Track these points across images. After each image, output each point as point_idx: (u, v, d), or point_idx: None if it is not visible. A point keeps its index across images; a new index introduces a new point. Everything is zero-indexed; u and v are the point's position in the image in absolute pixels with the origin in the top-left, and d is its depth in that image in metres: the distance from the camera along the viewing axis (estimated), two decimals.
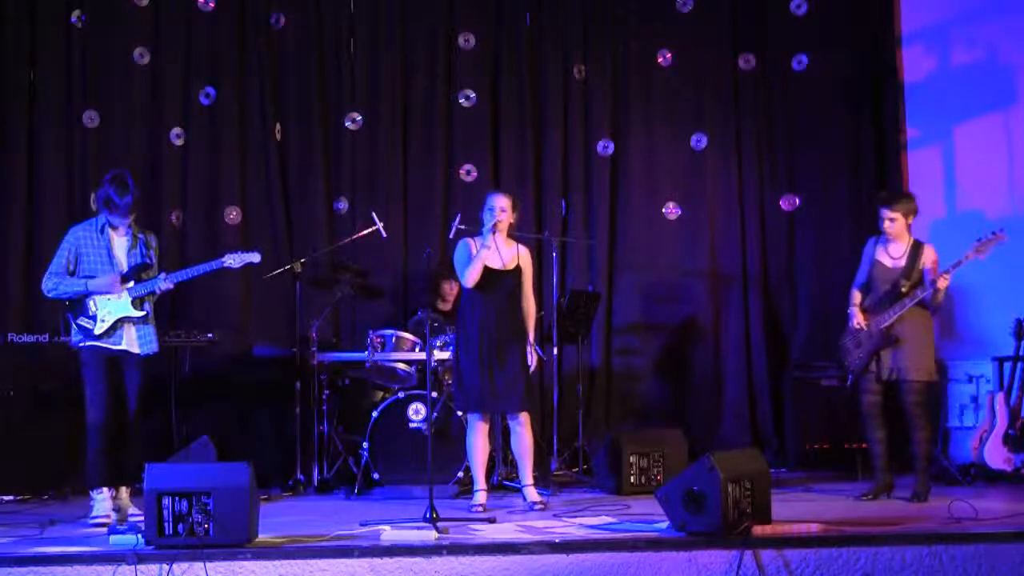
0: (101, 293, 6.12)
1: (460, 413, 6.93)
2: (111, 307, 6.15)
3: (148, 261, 6.27)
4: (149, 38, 8.36)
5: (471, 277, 6.47)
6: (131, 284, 6.16)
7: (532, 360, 6.56)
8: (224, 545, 4.91)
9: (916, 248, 6.56)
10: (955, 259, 6.35)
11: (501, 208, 6.52)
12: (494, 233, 6.48)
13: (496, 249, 6.55)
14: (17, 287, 8.01)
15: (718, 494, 5.05)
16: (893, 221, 6.57)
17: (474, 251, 6.51)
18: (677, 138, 8.89)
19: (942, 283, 6.36)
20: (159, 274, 6.23)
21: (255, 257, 6.47)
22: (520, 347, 6.51)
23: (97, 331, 6.10)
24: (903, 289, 6.50)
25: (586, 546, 5.06)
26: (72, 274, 6.16)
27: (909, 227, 6.62)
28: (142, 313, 6.18)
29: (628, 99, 8.88)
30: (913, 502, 6.40)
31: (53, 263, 6.20)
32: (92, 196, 7.88)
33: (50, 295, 6.23)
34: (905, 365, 6.49)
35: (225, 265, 6.36)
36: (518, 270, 6.59)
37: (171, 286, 6.23)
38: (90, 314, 6.12)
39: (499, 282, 6.51)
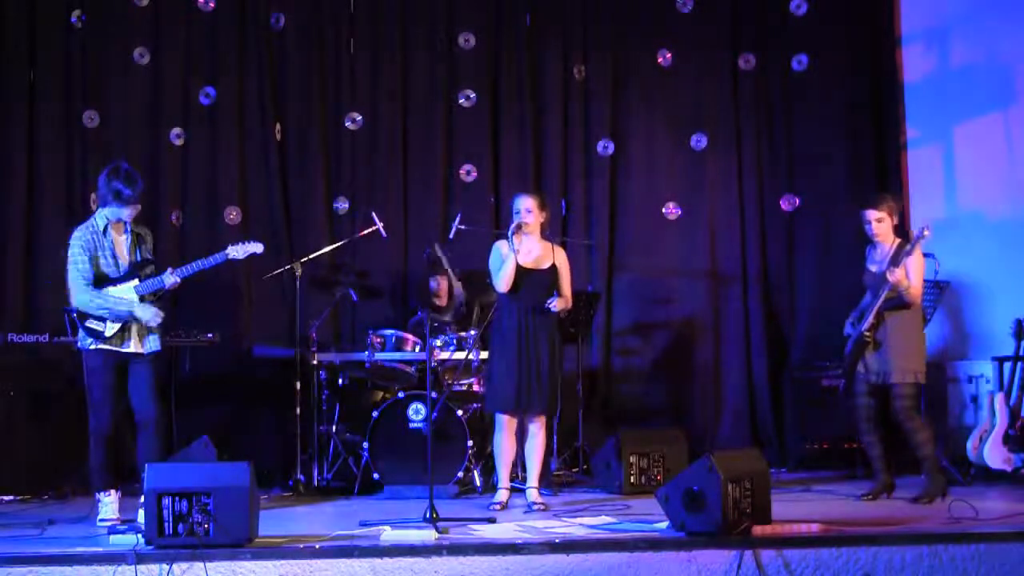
0: (120, 309, 5.98)
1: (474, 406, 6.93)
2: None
3: (149, 257, 6.19)
4: (149, 38, 8.36)
5: (503, 282, 6.47)
6: (136, 283, 6.08)
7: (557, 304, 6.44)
8: (224, 545, 4.91)
9: (899, 249, 6.43)
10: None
11: (527, 209, 6.51)
12: (517, 235, 6.46)
13: (529, 249, 6.54)
14: (17, 287, 8.00)
15: (718, 494, 5.04)
16: (880, 222, 6.52)
17: (504, 255, 6.51)
18: (677, 138, 8.89)
19: (891, 277, 6.30)
20: (165, 270, 6.14)
21: (258, 247, 6.39)
22: (552, 349, 6.49)
23: (108, 333, 5.97)
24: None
25: (586, 546, 5.06)
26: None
27: (895, 228, 6.59)
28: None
29: (628, 99, 8.88)
30: (922, 503, 6.27)
31: (78, 274, 5.94)
32: (92, 196, 7.87)
33: (85, 310, 5.97)
34: (888, 369, 6.42)
35: (229, 257, 6.28)
36: (553, 269, 6.56)
37: (178, 281, 6.11)
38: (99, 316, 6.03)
39: (533, 281, 6.49)
